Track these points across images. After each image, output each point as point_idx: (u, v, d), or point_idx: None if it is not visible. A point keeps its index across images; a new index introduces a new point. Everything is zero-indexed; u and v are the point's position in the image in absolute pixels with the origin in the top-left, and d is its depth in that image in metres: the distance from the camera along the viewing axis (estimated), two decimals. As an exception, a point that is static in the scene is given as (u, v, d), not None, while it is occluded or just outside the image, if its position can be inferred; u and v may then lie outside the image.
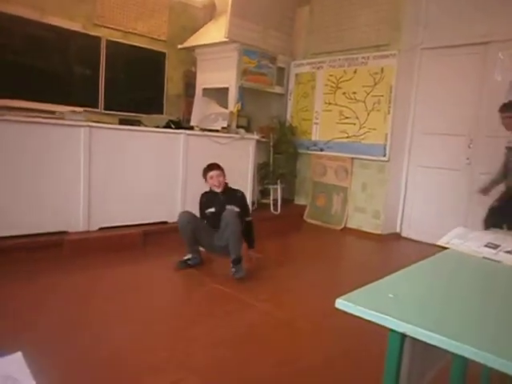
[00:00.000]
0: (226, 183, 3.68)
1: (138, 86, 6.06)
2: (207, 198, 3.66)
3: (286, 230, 5.37)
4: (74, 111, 3.88)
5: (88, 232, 3.92)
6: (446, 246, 1.58)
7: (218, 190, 3.61)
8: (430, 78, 5.16)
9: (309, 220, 5.93)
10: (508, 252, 1.43)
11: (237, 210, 3.48)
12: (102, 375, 1.96)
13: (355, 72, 5.50)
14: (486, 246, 1.50)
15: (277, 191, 5.70)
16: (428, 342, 0.85)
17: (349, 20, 5.59)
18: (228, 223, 3.32)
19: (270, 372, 2.10)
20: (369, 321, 0.95)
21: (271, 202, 5.67)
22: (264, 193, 5.93)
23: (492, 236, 1.59)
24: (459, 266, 1.42)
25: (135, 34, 6.02)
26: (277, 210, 5.63)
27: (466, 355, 0.79)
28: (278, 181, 5.73)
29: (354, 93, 5.50)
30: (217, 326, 2.56)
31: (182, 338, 2.38)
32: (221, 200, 3.58)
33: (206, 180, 3.65)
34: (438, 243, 1.60)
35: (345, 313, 0.98)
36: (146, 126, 4.42)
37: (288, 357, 2.26)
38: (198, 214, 3.64)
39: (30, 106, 4.62)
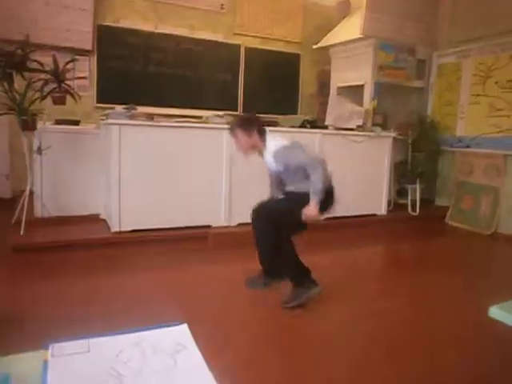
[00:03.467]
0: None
1: (274, 88, 6.32)
2: None
3: (425, 233, 5.03)
4: (217, 115, 4.19)
5: (228, 227, 4.22)
6: None
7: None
8: None
9: (451, 223, 5.46)
10: None
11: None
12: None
13: (508, 57, 4.90)
14: None
15: (415, 191, 5.39)
16: None
17: (495, 1, 5.00)
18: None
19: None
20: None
21: (409, 203, 5.38)
22: (401, 193, 5.64)
23: None
24: None
25: (271, 38, 6.28)
26: (415, 211, 5.32)
27: None
28: (417, 180, 5.41)
29: (510, 81, 4.90)
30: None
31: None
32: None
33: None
34: None
35: (498, 322, 0.90)
36: (282, 126, 4.57)
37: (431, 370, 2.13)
38: None
39: (179, 113, 5.15)
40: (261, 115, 5.61)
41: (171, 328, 0.78)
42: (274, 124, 4.57)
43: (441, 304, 2.98)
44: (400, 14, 5.46)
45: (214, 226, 4.16)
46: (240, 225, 4.22)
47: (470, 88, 5.39)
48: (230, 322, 2.53)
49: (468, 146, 5.39)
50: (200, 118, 4.38)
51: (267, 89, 6.27)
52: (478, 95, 5.29)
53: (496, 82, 5.05)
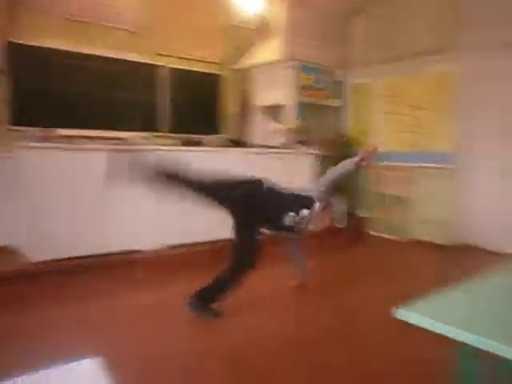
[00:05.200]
0: None
1: (198, 108, 6.34)
2: None
3: (349, 243, 5.30)
4: (144, 137, 4.13)
5: (158, 251, 4.12)
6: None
7: None
8: (497, 80, 4.88)
9: (372, 232, 5.80)
10: None
11: None
12: None
13: (416, 78, 5.37)
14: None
15: (339, 204, 5.64)
16: (496, 353, 0.83)
17: (405, 26, 5.49)
18: None
19: None
20: (430, 331, 0.94)
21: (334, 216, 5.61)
22: (325, 206, 5.88)
23: None
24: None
25: (192, 59, 6.33)
26: (339, 224, 5.56)
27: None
28: (340, 193, 5.67)
29: (415, 100, 5.36)
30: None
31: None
32: None
33: None
34: None
35: (404, 323, 0.98)
36: (207, 145, 4.61)
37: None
38: None
39: (101, 135, 5.00)
40: (186, 135, 5.66)
41: (83, 362, 0.76)
42: (199, 144, 4.60)
43: (363, 307, 3.14)
44: (317, 38, 5.79)
45: (142, 249, 4.05)
46: (170, 247, 4.15)
47: (381, 106, 5.82)
48: (152, 356, 2.35)
49: (383, 160, 5.77)
50: (124, 139, 4.28)
51: (191, 109, 6.28)
52: (389, 113, 5.72)
53: (404, 101, 5.50)
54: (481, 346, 0.85)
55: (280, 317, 2.99)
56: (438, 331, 0.91)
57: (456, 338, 0.89)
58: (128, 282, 3.61)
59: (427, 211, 5.29)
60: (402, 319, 0.98)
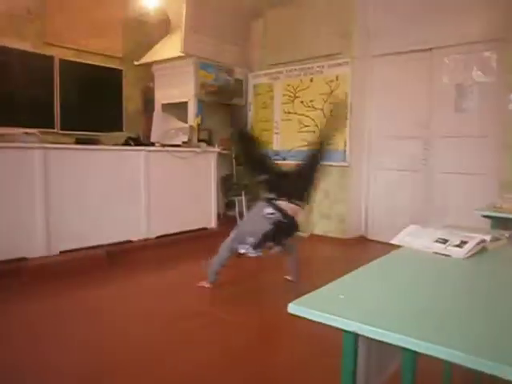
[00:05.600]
0: None
1: (95, 104, 5.95)
2: None
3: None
4: (26, 133, 3.76)
5: (48, 257, 3.80)
6: (399, 244, 1.62)
7: None
8: (383, 83, 5.32)
9: (276, 229, 5.95)
10: (456, 246, 1.49)
11: None
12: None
13: (311, 81, 5.62)
14: (436, 241, 1.55)
15: (242, 202, 5.71)
16: (378, 338, 0.87)
17: (301, 31, 5.72)
18: None
19: None
20: (320, 323, 0.95)
21: (237, 214, 5.67)
22: (230, 205, 5.92)
23: (442, 231, 1.64)
24: (411, 262, 1.45)
25: (89, 52, 5.94)
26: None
27: (417, 349, 0.81)
28: (243, 192, 5.75)
29: (312, 101, 5.61)
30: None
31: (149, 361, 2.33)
32: None
33: None
34: (391, 242, 1.65)
35: (298, 317, 0.98)
36: (104, 144, 4.35)
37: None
38: None
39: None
40: (81, 133, 5.30)
41: None
42: (96, 142, 4.33)
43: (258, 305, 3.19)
44: (217, 37, 5.78)
45: (28, 257, 3.69)
46: (63, 253, 3.85)
47: (281, 106, 6.00)
48: None
49: (284, 159, 5.96)
50: (3, 136, 3.85)
51: (87, 105, 5.88)
52: (289, 113, 5.91)
53: (302, 102, 5.73)
54: (364, 333, 0.89)
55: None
56: (325, 322, 0.93)
57: (340, 327, 0.91)
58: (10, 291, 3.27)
59: (326, 207, 5.58)
60: (295, 313, 0.99)
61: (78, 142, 4.41)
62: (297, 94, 5.80)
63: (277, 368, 2.30)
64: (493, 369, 0.70)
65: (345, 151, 5.32)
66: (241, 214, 5.64)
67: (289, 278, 3.57)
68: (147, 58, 6.18)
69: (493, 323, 0.91)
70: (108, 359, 2.30)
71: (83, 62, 5.85)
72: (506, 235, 1.74)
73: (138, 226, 4.49)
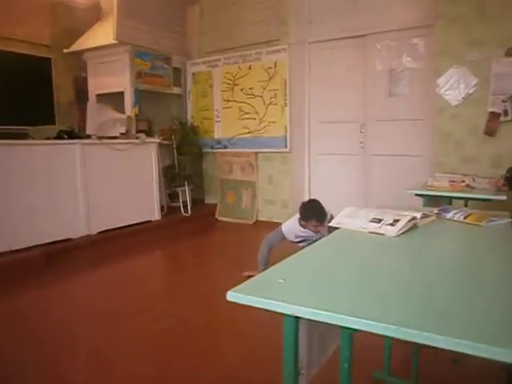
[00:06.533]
0: None
1: (22, 96, 5.57)
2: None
3: (198, 231, 5.33)
4: None
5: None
6: (337, 226, 1.66)
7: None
8: (320, 69, 5.41)
9: (221, 218, 5.95)
10: (389, 224, 1.55)
11: None
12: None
13: (250, 68, 5.61)
14: (371, 221, 1.61)
15: (185, 193, 5.63)
16: (317, 319, 0.88)
17: (239, 17, 5.68)
18: None
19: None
20: (260, 309, 0.96)
21: (181, 205, 5.58)
22: (173, 196, 5.82)
23: (377, 212, 1.70)
24: (348, 243, 1.50)
25: (13, 39, 5.53)
26: (187, 212, 5.56)
27: (356, 327, 0.83)
28: (186, 182, 5.66)
29: (251, 88, 5.61)
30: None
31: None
32: None
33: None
34: (330, 224, 1.69)
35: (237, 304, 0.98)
36: (33, 138, 4.09)
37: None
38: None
39: None
40: (6, 127, 4.95)
41: None
42: (24, 137, 4.06)
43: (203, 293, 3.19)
44: (152, 24, 5.59)
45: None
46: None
47: (221, 94, 5.94)
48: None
49: (226, 147, 5.93)
50: None
51: (13, 97, 5.49)
52: (228, 101, 5.87)
53: (241, 89, 5.71)
54: (302, 315, 0.90)
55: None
56: (263, 307, 0.94)
57: (279, 311, 0.92)
58: None
59: (270, 193, 5.64)
60: (233, 301, 0.98)
61: (2, 137, 4.09)
62: (236, 82, 5.77)
63: (223, 359, 2.31)
64: (428, 339, 0.73)
65: (285, 137, 5.38)
66: (184, 205, 5.56)
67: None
68: (78, 46, 5.86)
69: (425, 294, 0.96)
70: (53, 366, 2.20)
71: (7, 50, 5.44)
72: (435, 211, 1.85)
73: (76, 223, 4.30)
